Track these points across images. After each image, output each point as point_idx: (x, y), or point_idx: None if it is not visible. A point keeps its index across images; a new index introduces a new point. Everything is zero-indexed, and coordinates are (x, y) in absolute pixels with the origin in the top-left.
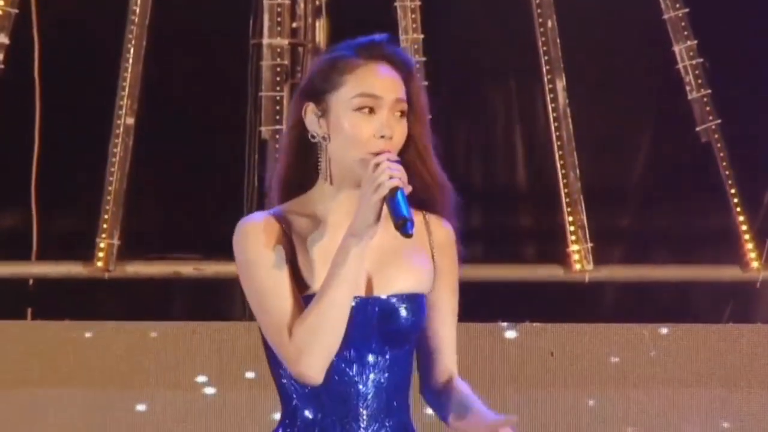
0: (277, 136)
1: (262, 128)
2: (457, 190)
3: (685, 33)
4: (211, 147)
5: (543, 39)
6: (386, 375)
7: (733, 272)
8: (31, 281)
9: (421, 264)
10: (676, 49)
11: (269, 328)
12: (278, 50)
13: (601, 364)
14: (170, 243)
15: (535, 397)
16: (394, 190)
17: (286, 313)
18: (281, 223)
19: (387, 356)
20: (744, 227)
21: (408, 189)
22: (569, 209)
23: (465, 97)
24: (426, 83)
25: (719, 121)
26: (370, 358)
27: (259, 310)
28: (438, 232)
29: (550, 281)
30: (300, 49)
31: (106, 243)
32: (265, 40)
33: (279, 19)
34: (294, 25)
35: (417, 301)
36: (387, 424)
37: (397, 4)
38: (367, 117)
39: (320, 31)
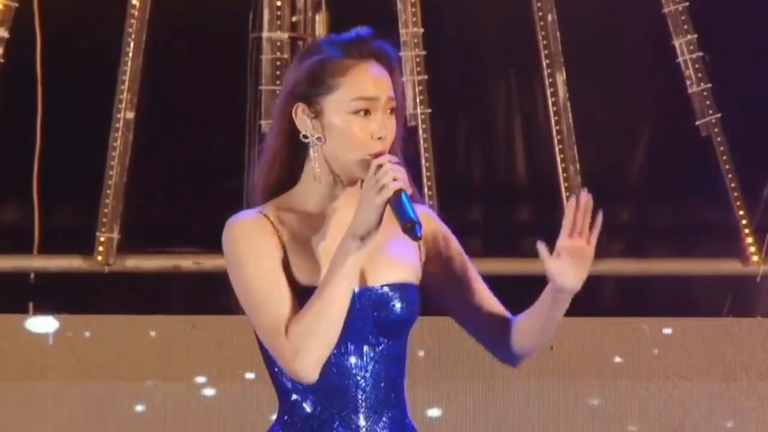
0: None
1: (262, 122)
2: (456, 184)
3: (685, 27)
4: (210, 141)
5: (543, 33)
6: (383, 367)
7: (733, 266)
8: (32, 275)
9: (408, 256)
10: (676, 43)
11: (263, 326)
12: (278, 44)
13: (601, 359)
14: (170, 237)
15: (534, 391)
16: (398, 193)
17: (281, 311)
18: (271, 220)
19: (383, 347)
20: (744, 221)
21: (410, 191)
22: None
23: (465, 91)
24: (426, 77)
25: (719, 115)
26: (367, 349)
27: (252, 308)
28: (421, 220)
29: None
30: (300, 42)
31: (105, 237)
32: (265, 34)
33: (279, 13)
34: (294, 18)
35: (409, 291)
36: (385, 416)
37: None
38: (363, 119)
39: (320, 25)
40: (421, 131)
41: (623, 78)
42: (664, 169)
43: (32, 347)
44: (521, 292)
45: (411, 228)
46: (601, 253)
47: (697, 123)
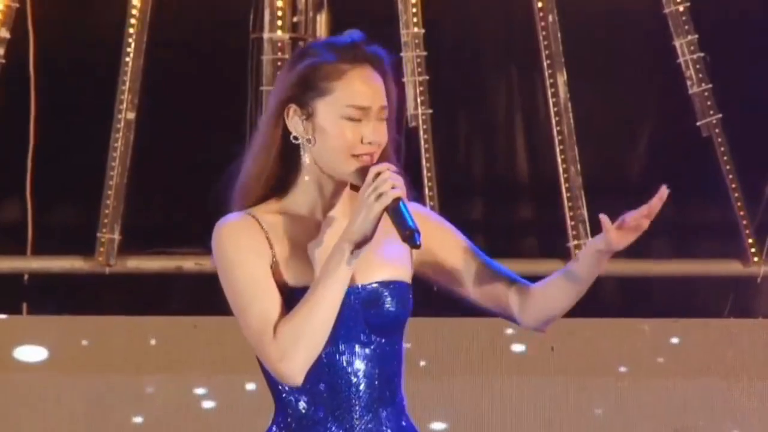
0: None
1: None
2: (457, 184)
3: (686, 27)
4: (211, 141)
5: (544, 33)
6: (377, 365)
7: (734, 267)
8: (26, 276)
9: (399, 254)
10: (677, 43)
11: (250, 328)
12: (279, 44)
13: (601, 359)
14: (171, 238)
15: (536, 391)
16: (396, 201)
17: (269, 313)
18: (260, 222)
19: (376, 346)
20: (745, 222)
21: (408, 199)
22: (570, 204)
23: (466, 91)
24: (427, 77)
25: (720, 115)
26: (359, 348)
27: (239, 310)
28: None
29: None
30: (301, 43)
31: (107, 237)
32: (266, 35)
33: (279, 14)
34: (295, 19)
35: (400, 288)
36: (381, 414)
37: None
38: (354, 124)
39: (321, 26)
40: (421, 132)
41: (624, 78)
42: (665, 169)
43: (30, 349)
44: None
45: (410, 236)
46: None
47: (698, 123)
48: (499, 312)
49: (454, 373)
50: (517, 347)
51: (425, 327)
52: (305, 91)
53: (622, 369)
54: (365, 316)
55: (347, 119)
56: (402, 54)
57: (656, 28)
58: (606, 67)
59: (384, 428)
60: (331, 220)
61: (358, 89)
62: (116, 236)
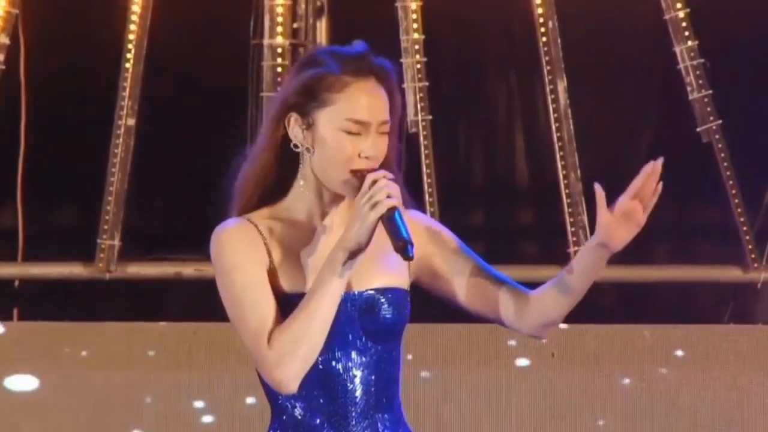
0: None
1: None
2: (457, 191)
3: (686, 33)
4: (211, 147)
5: (544, 39)
6: (373, 372)
7: (734, 273)
8: (16, 282)
9: (397, 262)
10: (677, 49)
11: (247, 334)
12: (279, 50)
13: (601, 365)
14: (171, 244)
15: (536, 398)
16: (391, 210)
17: (265, 319)
18: (258, 227)
19: (373, 353)
20: (745, 228)
21: (404, 209)
22: (570, 210)
23: (466, 97)
24: (427, 84)
25: (720, 121)
26: (356, 354)
27: (237, 316)
28: (409, 224)
29: None
30: (301, 49)
31: (107, 244)
32: (266, 41)
33: (280, 20)
34: (295, 25)
35: (398, 295)
36: (378, 420)
37: (398, 4)
38: (354, 137)
39: (321, 32)
40: (422, 138)
41: (624, 84)
42: (665, 175)
43: (29, 354)
44: None
45: (403, 248)
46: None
47: (698, 129)
48: (498, 319)
49: (447, 381)
50: (518, 354)
51: (424, 334)
52: (307, 100)
53: (622, 375)
54: (362, 322)
55: (346, 132)
56: (402, 60)
57: (656, 34)
58: (606, 73)
59: None
60: (328, 228)
61: (359, 103)
62: (116, 242)
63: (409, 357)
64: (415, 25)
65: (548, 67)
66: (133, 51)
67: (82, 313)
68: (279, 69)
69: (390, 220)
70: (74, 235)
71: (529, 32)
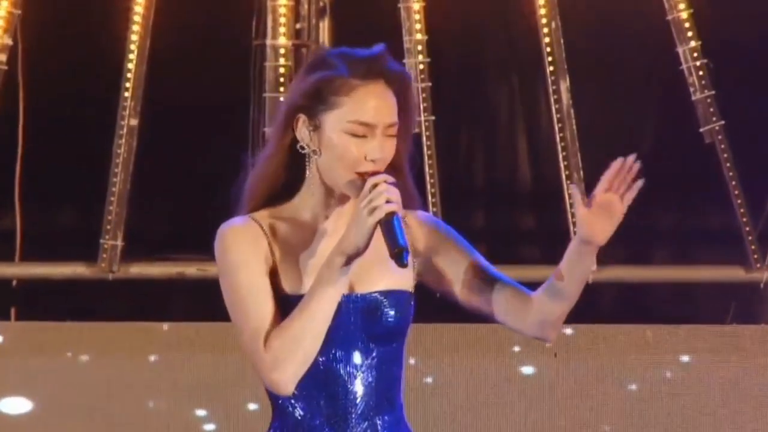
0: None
1: (266, 129)
2: (460, 191)
3: (689, 34)
4: (214, 148)
5: (547, 40)
6: (375, 374)
7: (737, 273)
8: (14, 282)
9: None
10: (680, 50)
11: (245, 333)
12: (282, 51)
13: (603, 365)
14: (174, 244)
15: (537, 398)
16: (390, 215)
17: (264, 319)
18: (263, 227)
19: (374, 355)
20: (747, 228)
21: (403, 214)
22: (573, 210)
23: (468, 97)
24: (429, 84)
25: (723, 122)
26: (357, 356)
27: (237, 314)
28: (416, 226)
29: None
30: (303, 50)
31: (110, 244)
32: (269, 41)
33: (282, 20)
34: (298, 26)
35: (401, 298)
36: (378, 422)
37: (401, 5)
38: (359, 140)
39: (324, 32)
40: (424, 138)
41: (626, 84)
42: (668, 176)
43: (30, 355)
44: None
45: (399, 254)
46: (604, 260)
47: (701, 130)
48: (501, 320)
49: (447, 378)
50: (520, 354)
51: (427, 333)
52: (315, 103)
53: (624, 375)
54: (364, 325)
55: (351, 135)
56: (405, 61)
57: (659, 34)
58: (608, 73)
59: None
60: (332, 230)
61: (366, 106)
62: (119, 242)
63: (411, 361)
64: (418, 26)
65: (551, 68)
66: (135, 51)
67: (85, 313)
68: (281, 69)
69: (387, 225)
70: (76, 235)
71: (531, 33)
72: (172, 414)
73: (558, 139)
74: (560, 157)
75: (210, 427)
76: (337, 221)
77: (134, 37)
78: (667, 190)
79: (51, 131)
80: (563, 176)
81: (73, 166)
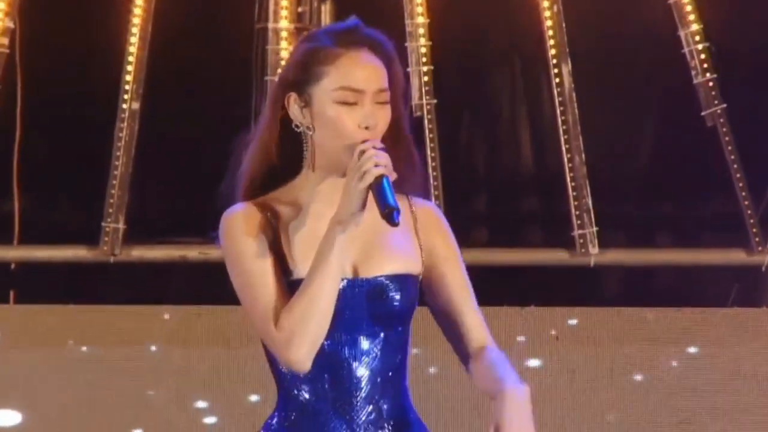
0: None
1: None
2: (462, 175)
3: (691, 17)
4: (216, 131)
5: (549, 23)
6: (380, 357)
7: (738, 256)
8: (12, 265)
9: (407, 247)
10: (682, 33)
11: (256, 317)
12: (284, 35)
13: (606, 348)
14: (176, 227)
15: (540, 381)
16: (379, 178)
17: (273, 301)
18: (264, 211)
19: (380, 338)
20: (749, 211)
21: (393, 176)
22: (575, 193)
23: (470, 81)
24: (431, 68)
25: (725, 105)
26: (363, 340)
27: (246, 299)
28: (423, 214)
29: (555, 265)
30: (305, 33)
31: (111, 227)
32: (271, 25)
33: (284, 3)
34: (300, 9)
35: (406, 282)
36: (383, 407)
37: None
38: (350, 108)
39: (326, 15)
40: (426, 121)
41: (628, 67)
42: (670, 158)
43: (31, 338)
44: (525, 281)
45: (389, 214)
46: (606, 243)
47: (703, 113)
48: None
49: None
50: (522, 337)
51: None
52: (302, 77)
53: (626, 357)
54: (369, 308)
55: (341, 103)
56: (407, 44)
57: (662, 18)
58: (610, 56)
59: (385, 421)
60: (333, 211)
61: (351, 72)
62: (121, 226)
63: (415, 351)
64: (419, 9)
65: (553, 51)
66: (137, 34)
67: (86, 297)
68: (283, 53)
69: (378, 188)
70: (76, 219)
71: (534, 17)
72: (171, 400)
73: (560, 122)
74: (562, 140)
75: (205, 410)
76: (335, 198)
77: (136, 20)
78: (669, 174)
79: (51, 113)
80: (565, 159)
81: (74, 149)
